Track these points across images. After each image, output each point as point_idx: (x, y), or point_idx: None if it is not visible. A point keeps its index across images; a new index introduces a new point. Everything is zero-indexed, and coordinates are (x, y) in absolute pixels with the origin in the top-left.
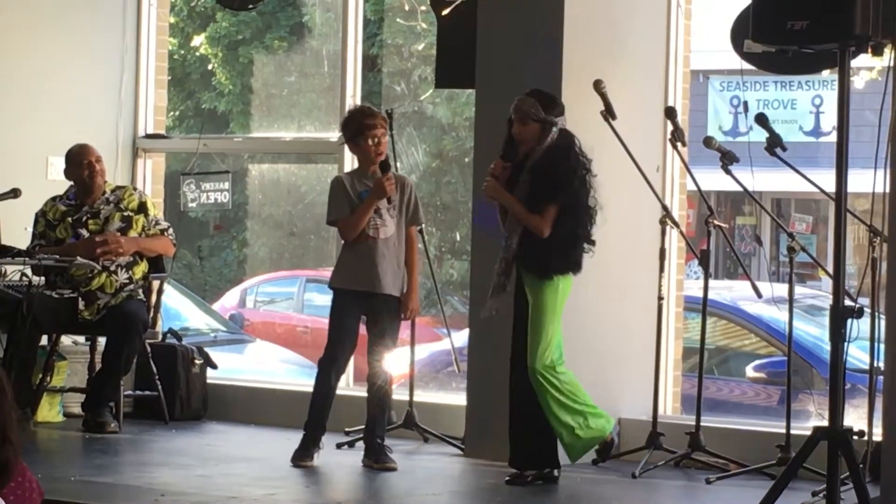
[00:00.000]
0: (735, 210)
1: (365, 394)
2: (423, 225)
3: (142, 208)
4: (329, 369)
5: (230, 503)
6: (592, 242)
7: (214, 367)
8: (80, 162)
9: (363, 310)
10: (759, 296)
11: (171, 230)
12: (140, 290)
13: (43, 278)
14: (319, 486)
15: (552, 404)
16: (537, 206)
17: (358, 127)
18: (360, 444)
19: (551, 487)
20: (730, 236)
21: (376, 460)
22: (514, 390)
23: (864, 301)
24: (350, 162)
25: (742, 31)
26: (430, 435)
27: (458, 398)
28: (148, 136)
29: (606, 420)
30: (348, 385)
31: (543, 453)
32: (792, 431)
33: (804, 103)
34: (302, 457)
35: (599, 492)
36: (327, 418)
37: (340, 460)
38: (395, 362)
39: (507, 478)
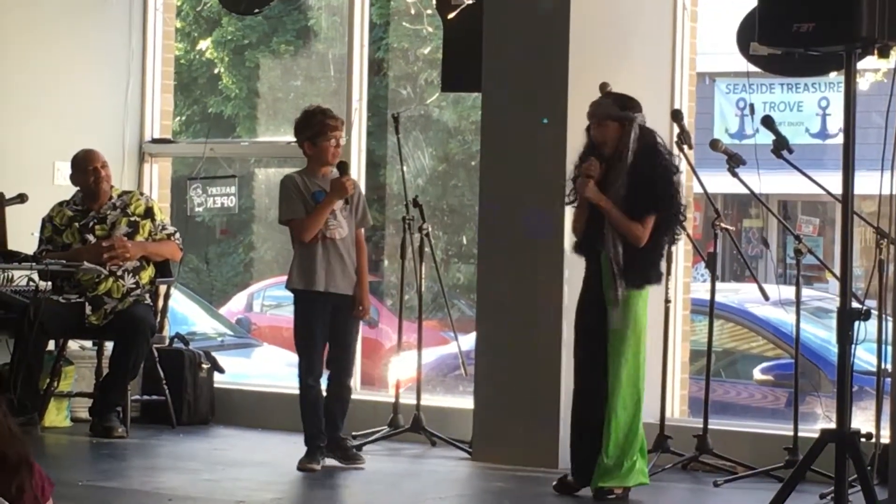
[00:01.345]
0: (742, 213)
1: (372, 398)
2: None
3: (148, 213)
4: (307, 376)
5: None
6: (676, 240)
7: (221, 371)
8: (85, 168)
9: (326, 310)
10: (767, 298)
11: (177, 235)
12: (147, 295)
13: (50, 283)
14: (327, 489)
15: (639, 425)
16: (638, 214)
17: (320, 127)
18: (369, 447)
19: (564, 492)
20: (736, 239)
21: (344, 456)
22: (591, 404)
23: (872, 303)
24: (356, 164)
25: (748, 34)
26: (437, 438)
27: (466, 402)
28: (154, 141)
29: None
30: (355, 389)
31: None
32: (799, 434)
33: (810, 105)
34: (308, 461)
35: None
36: (321, 423)
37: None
38: (400, 366)
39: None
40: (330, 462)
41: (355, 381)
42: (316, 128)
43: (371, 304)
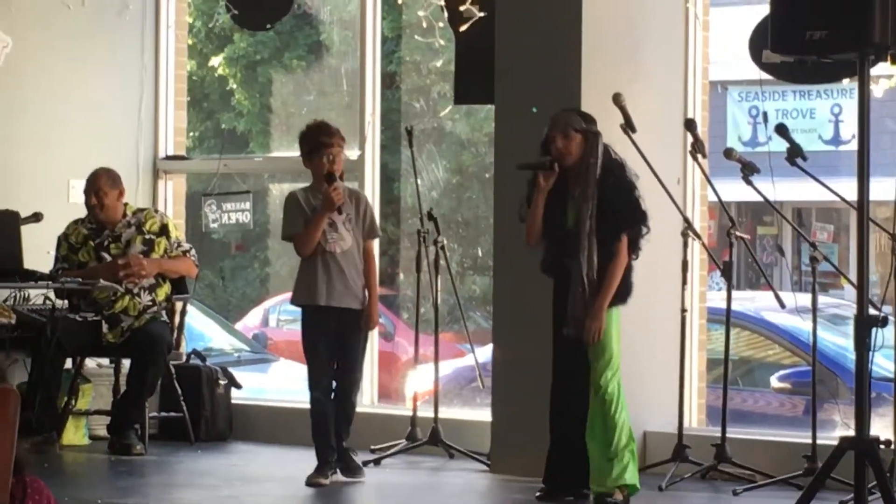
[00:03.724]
0: (756, 220)
1: (389, 411)
2: (378, 236)
3: (163, 230)
4: (313, 390)
5: None
6: (638, 254)
7: (239, 387)
8: (87, 191)
9: (331, 324)
10: (783, 306)
11: (193, 251)
12: (163, 312)
13: (66, 301)
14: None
15: (625, 419)
16: (611, 239)
17: (315, 144)
18: (386, 460)
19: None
20: (751, 247)
21: (346, 468)
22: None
23: (889, 309)
24: (371, 178)
25: (760, 42)
26: (455, 451)
27: (483, 414)
28: (168, 158)
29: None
30: (373, 403)
31: (582, 475)
32: (818, 441)
33: (823, 112)
34: (316, 476)
35: None
36: (332, 437)
37: (367, 478)
38: (417, 379)
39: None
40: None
41: (372, 395)
42: (309, 144)
43: (382, 317)
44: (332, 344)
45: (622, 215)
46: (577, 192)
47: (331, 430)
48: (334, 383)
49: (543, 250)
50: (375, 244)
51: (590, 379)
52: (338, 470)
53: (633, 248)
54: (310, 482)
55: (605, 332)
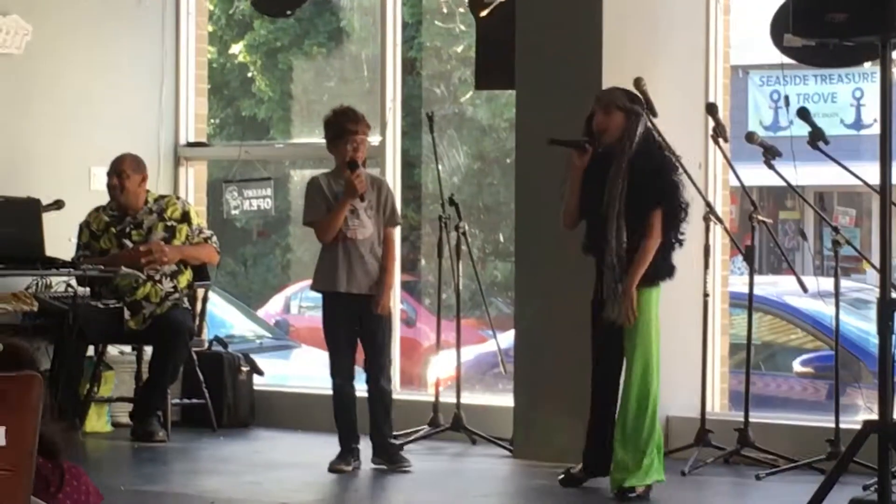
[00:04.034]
0: (778, 205)
1: (411, 397)
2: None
3: (185, 217)
4: (334, 376)
5: None
6: (682, 241)
7: (261, 373)
8: (110, 172)
9: (352, 311)
10: (805, 290)
11: (214, 238)
12: (185, 299)
13: (88, 289)
14: (368, 490)
15: (655, 422)
16: (644, 213)
17: (340, 130)
18: (409, 447)
19: (600, 488)
20: (773, 231)
21: (389, 460)
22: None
23: None
24: (391, 164)
25: (782, 25)
26: (477, 437)
27: (506, 399)
28: (189, 145)
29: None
30: (395, 389)
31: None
32: (841, 426)
33: (844, 96)
34: (338, 463)
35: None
36: (355, 424)
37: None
38: (439, 365)
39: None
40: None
41: (394, 381)
42: (334, 130)
43: (404, 303)
44: (353, 330)
45: (654, 191)
46: (611, 172)
47: (353, 416)
48: (364, 373)
49: (584, 231)
50: (396, 232)
51: (624, 366)
52: (382, 462)
53: (675, 235)
54: (332, 469)
55: (642, 316)
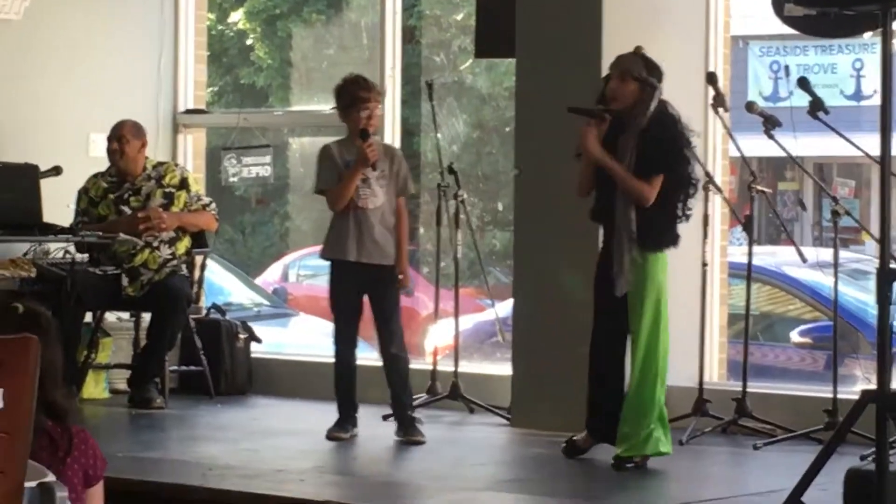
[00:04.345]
0: (777, 176)
1: (410, 366)
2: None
3: (183, 184)
4: (336, 343)
5: (277, 476)
6: (688, 216)
7: (259, 341)
8: (110, 137)
9: (360, 280)
10: (804, 260)
11: (213, 205)
12: (183, 266)
13: (86, 255)
14: (366, 457)
15: (657, 393)
16: (645, 174)
17: (351, 98)
18: None
19: (598, 457)
20: (773, 201)
21: (404, 433)
22: (606, 368)
23: None
24: (391, 133)
25: None
26: (475, 405)
27: (504, 368)
28: (188, 112)
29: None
30: None
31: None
32: (839, 396)
33: (844, 67)
34: (336, 431)
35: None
36: (354, 392)
37: (386, 432)
38: (438, 334)
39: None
40: (370, 430)
41: None
42: (346, 99)
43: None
44: (359, 300)
45: (659, 157)
46: (620, 141)
47: (353, 384)
48: (377, 344)
49: (594, 197)
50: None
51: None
52: (397, 432)
53: (682, 208)
54: (329, 436)
55: (648, 283)
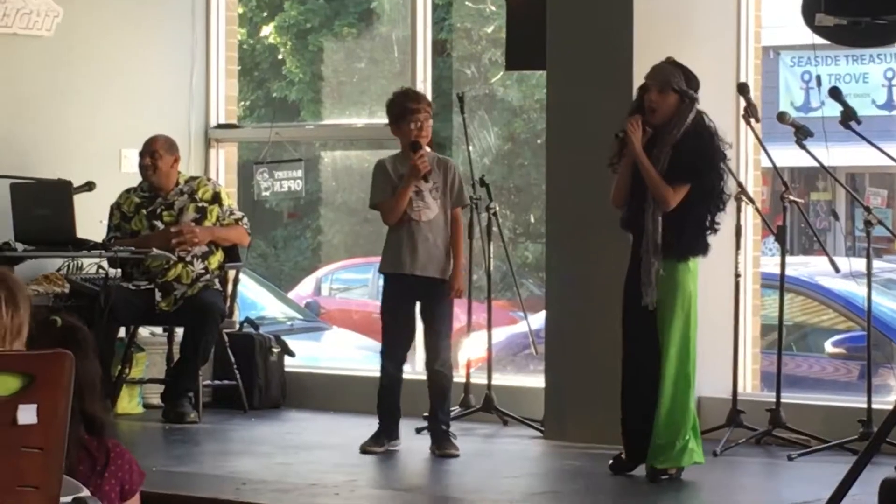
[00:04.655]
0: (809, 186)
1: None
2: (473, 206)
3: (216, 198)
4: (387, 358)
5: (311, 490)
6: (716, 229)
7: (292, 355)
8: (143, 153)
9: (414, 294)
10: (837, 270)
11: (245, 219)
12: (216, 280)
13: (119, 270)
14: (399, 470)
15: (689, 404)
16: (671, 181)
17: (401, 110)
18: None
19: (617, 472)
20: (805, 212)
21: (438, 447)
22: (638, 381)
23: None
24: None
25: (814, 4)
26: (509, 418)
27: (537, 381)
28: (220, 126)
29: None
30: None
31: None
32: (873, 406)
33: (876, 77)
34: (370, 444)
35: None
36: (397, 406)
37: (420, 445)
38: (470, 346)
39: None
40: (404, 443)
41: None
42: (398, 111)
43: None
44: (412, 313)
45: (688, 166)
46: (653, 153)
47: (396, 400)
48: (423, 357)
49: (626, 206)
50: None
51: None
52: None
53: (704, 204)
54: (363, 449)
55: (677, 293)
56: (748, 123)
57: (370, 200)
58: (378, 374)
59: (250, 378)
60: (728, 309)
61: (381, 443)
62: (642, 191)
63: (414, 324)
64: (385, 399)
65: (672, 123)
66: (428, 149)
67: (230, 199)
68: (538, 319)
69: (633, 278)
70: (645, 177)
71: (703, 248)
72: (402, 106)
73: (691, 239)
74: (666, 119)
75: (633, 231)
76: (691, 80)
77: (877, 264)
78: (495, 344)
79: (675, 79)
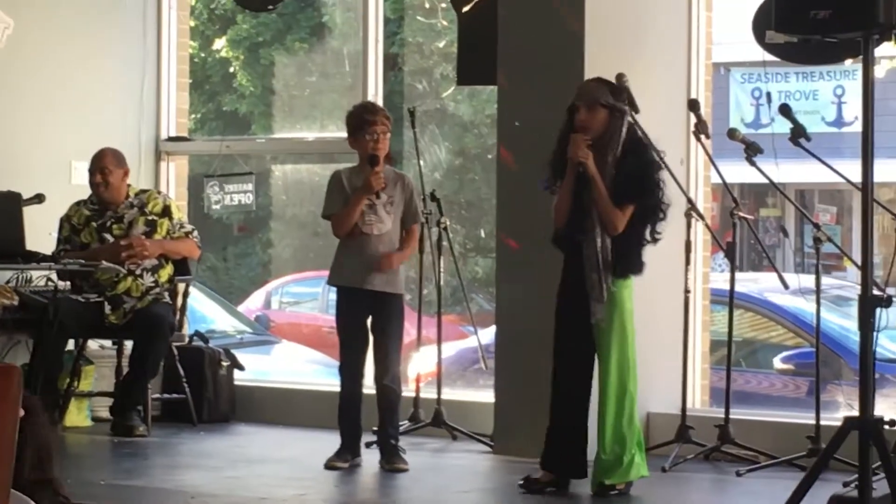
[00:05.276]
0: (759, 202)
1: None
2: (424, 221)
3: (166, 212)
4: (344, 373)
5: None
6: (658, 239)
7: (241, 368)
8: (92, 169)
9: (366, 307)
10: (786, 287)
11: (195, 233)
12: (166, 294)
13: (69, 283)
14: (349, 485)
15: (634, 418)
16: (618, 203)
17: (359, 122)
18: None
19: (578, 485)
20: (755, 228)
21: (387, 461)
22: (570, 395)
23: (892, 290)
24: None
25: (764, 22)
26: (458, 432)
27: (486, 395)
28: (170, 139)
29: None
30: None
31: (580, 460)
32: (821, 422)
33: (826, 94)
34: (334, 459)
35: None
36: (358, 421)
37: (370, 459)
38: (420, 361)
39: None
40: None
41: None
42: (354, 123)
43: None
44: (364, 327)
45: (633, 187)
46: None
47: (357, 414)
48: (373, 371)
49: (563, 220)
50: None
51: (598, 364)
52: (380, 461)
53: (651, 233)
54: (328, 465)
55: (616, 311)
56: (699, 140)
57: (323, 211)
58: (337, 389)
59: (199, 391)
60: (677, 324)
61: (346, 458)
62: (581, 210)
63: (367, 337)
64: (346, 414)
65: (608, 138)
66: (386, 164)
67: (180, 212)
68: (488, 334)
69: (567, 294)
70: (598, 201)
71: (640, 267)
72: (360, 118)
73: (633, 256)
74: (599, 135)
75: (567, 249)
76: (617, 93)
77: (826, 281)
78: (445, 358)
79: (601, 94)
